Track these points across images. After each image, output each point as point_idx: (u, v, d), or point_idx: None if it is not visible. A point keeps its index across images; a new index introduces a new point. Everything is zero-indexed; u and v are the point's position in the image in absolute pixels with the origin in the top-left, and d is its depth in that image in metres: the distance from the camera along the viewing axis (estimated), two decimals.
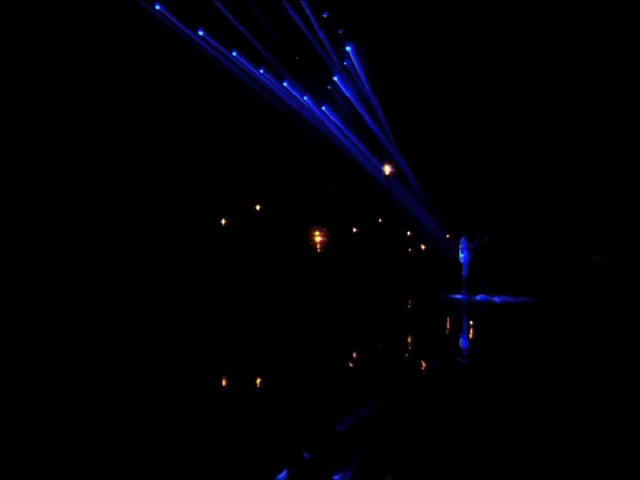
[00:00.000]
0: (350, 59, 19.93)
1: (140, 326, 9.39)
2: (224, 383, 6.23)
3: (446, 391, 5.65)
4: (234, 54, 19.17)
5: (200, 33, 18.43)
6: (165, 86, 17.07)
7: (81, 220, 14.98)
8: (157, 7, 17.60)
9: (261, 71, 19.64)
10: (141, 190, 15.86)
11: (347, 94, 20.51)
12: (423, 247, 21.01)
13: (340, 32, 19.44)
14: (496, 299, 13.98)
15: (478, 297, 14.42)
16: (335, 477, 3.69)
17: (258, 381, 6.28)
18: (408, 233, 23.47)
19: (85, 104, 15.71)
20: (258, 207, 19.91)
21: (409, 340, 9.03)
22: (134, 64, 16.46)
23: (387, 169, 18.47)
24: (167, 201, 16.32)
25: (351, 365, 7.27)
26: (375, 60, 19.30)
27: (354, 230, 22.04)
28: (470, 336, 9.48)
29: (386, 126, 20.74)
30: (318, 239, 20.27)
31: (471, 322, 11.29)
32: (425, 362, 7.24)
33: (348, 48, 19.70)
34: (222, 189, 18.14)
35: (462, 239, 15.32)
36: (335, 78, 20.43)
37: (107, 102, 15.92)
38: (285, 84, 19.81)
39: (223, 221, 19.24)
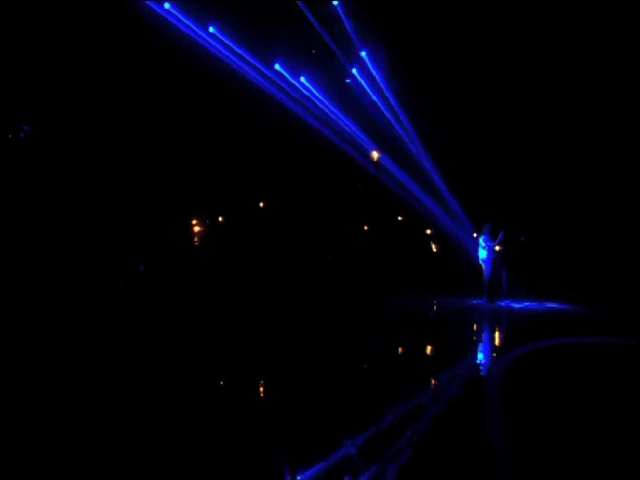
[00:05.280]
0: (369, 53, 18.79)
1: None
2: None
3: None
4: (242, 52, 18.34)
5: (210, 30, 17.64)
6: (171, 85, 16.47)
7: (84, 216, 14.74)
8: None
9: (277, 66, 18.66)
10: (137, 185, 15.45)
11: (365, 89, 19.35)
12: (434, 246, 19.43)
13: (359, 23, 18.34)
14: (525, 305, 12.74)
15: (501, 304, 13.14)
16: None
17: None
18: (428, 231, 22.13)
19: (100, 102, 15.83)
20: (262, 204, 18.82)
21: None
22: (139, 61, 16.00)
23: (375, 155, 16.48)
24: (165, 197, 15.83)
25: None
26: (396, 53, 18.08)
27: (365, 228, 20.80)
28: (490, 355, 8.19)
29: (405, 120, 19.53)
30: (196, 229, 17.95)
31: (495, 335, 10.04)
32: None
33: (363, 54, 18.54)
34: (227, 185, 17.33)
35: (483, 237, 13.84)
36: (354, 71, 19.28)
37: (114, 101, 15.82)
38: (302, 79, 18.86)
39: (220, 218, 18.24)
